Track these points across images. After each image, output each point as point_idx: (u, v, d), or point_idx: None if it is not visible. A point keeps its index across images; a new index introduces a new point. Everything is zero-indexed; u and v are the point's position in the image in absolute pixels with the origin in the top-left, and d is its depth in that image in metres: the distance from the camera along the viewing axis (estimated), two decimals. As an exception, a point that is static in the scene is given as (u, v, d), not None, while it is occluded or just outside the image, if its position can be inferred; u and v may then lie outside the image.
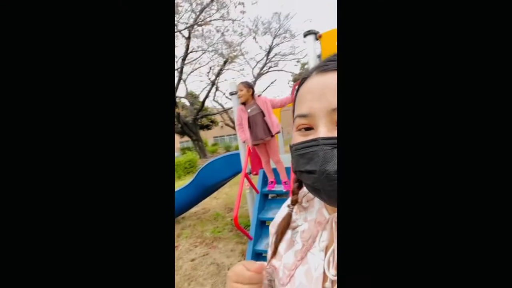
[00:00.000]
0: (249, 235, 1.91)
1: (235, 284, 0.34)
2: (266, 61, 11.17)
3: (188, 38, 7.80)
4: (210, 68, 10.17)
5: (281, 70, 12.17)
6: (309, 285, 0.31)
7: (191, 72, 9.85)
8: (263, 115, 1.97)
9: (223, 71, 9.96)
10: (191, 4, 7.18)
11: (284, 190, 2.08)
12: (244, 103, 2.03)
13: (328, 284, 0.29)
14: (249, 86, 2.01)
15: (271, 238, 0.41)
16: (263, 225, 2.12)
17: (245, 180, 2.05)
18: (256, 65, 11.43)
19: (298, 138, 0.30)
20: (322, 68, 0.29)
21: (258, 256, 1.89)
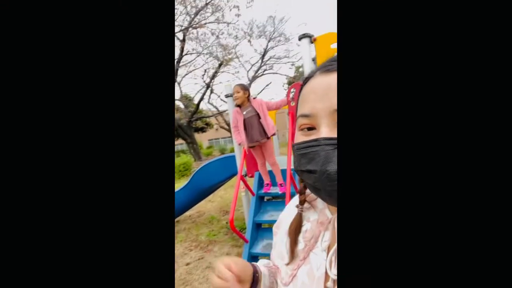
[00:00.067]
0: (245, 238, 1.90)
1: (217, 280, 0.34)
2: (261, 64, 11.23)
3: (183, 41, 7.78)
4: (205, 70, 10.16)
5: (276, 73, 12.26)
6: (311, 284, 0.31)
7: (186, 74, 9.82)
8: (259, 117, 1.97)
9: (218, 73, 9.96)
10: (185, 7, 7.18)
11: (280, 192, 2.08)
12: (239, 106, 2.03)
13: (330, 283, 0.29)
14: (245, 89, 2.02)
15: (275, 239, 0.41)
16: (259, 227, 2.11)
17: (241, 182, 2.04)
18: (251, 68, 11.48)
19: (300, 137, 0.30)
20: (325, 68, 0.29)
21: (254, 259, 1.88)
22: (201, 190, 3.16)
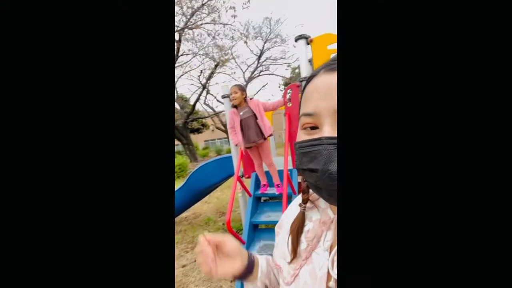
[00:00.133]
0: (242, 239, 1.89)
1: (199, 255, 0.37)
2: (257, 65, 11.26)
3: (179, 41, 7.74)
4: (201, 71, 10.14)
5: (272, 74, 12.29)
6: (313, 284, 0.31)
7: (182, 75, 9.77)
8: (256, 118, 1.97)
9: (214, 74, 9.94)
10: (181, 8, 7.15)
11: (277, 193, 2.08)
12: (236, 106, 2.03)
13: (332, 283, 0.29)
14: (243, 89, 2.01)
15: (277, 239, 0.41)
16: (255, 228, 2.11)
17: (238, 183, 2.03)
18: (247, 69, 11.50)
19: (303, 136, 0.30)
20: (329, 67, 0.29)
21: (251, 260, 1.87)
22: (197, 192, 3.14)
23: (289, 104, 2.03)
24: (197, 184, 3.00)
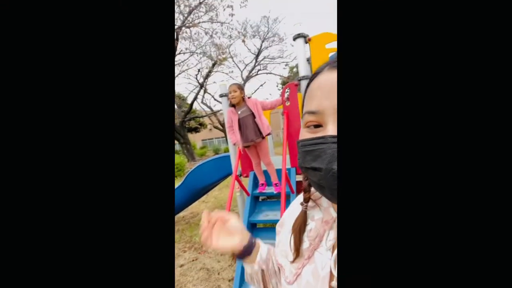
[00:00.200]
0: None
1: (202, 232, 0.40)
2: (255, 64, 11.24)
3: (176, 40, 7.70)
4: (199, 70, 10.09)
5: (270, 73, 12.28)
6: (316, 284, 0.31)
7: (179, 74, 9.72)
8: (254, 117, 1.97)
9: (212, 73, 9.91)
10: (179, 6, 7.11)
11: (275, 192, 2.08)
12: (234, 105, 2.02)
13: (334, 283, 0.29)
14: (241, 88, 2.01)
15: (278, 238, 0.41)
16: (254, 227, 2.11)
17: (236, 182, 2.03)
18: (245, 67, 11.48)
19: (306, 134, 0.29)
20: (334, 64, 0.28)
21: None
22: (195, 191, 3.13)
23: (287, 103, 2.03)
24: (195, 184, 2.99)
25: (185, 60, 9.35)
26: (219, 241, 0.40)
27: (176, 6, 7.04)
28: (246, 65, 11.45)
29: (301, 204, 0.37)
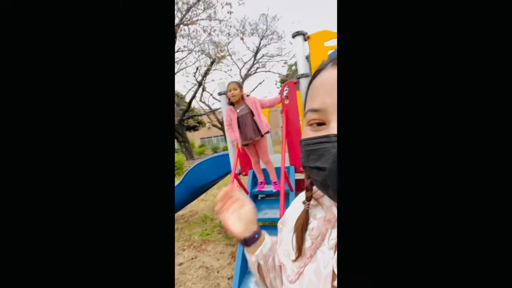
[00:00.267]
0: (239, 236, 1.90)
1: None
2: (253, 62, 11.21)
3: (174, 38, 7.65)
4: (197, 68, 10.05)
5: (269, 71, 12.25)
6: (318, 283, 0.31)
7: (177, 72, 9.67)
8: (253, 115, 1.96)
9: (210, 71, 9.87)
10: (177, 4, 7.06)
11: (274, 190, 2.08)
12: (233, 104, 2.01)
13: (337, 282, 0.29)
14: (241, 86, 2.00)
15: (280, 235, 0.41)
16: (252, 226, 2.11)
17: (235, 180, 2.03)
18: (243, 65, 11.44)
19: (309, 133, 0.29)
20: (336, 61, 0.28)
21: (248, 257, 1.88)
22: (194, 189, 3.13)
23: (286, 101, 2.03)
24: (194, 182, 2.99)
25: (183, 58, 9.33)
26: (229, 220, 0.42)
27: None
28: (245, 63, 11.43)
29: (303, 203, 0.37)
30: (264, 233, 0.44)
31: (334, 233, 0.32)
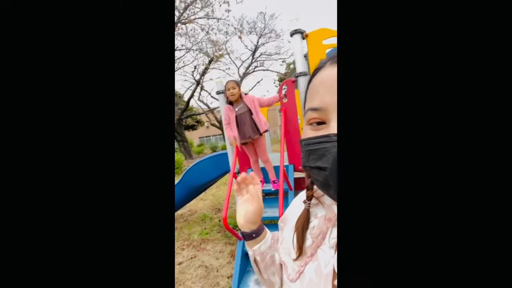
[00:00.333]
0: (238, 235, 1.90)
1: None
2: (252, 60, 11.18)
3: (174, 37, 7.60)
4: (195, 67, 10.01)
5: (267, 70, 12.23)
6: (319, 281, 0.31)
7: (175, 71, 9.62)
8: (251, 114, 1.96)
9: (208, 70, 9.84)
10: (174, 2, 7.00)
11: (273, 189, 2.08)
12: (231, 102, 2.01)
13: (337, 282, 0.29)
14: (239, 85, 2.00)
15: (281, 234, 0.41)
16: (252, 225, 2.11)
17: (234, 180, 2.03)
18: (241, 64, 11.41)
19: (309, 132, 0.29)
20: (336, 59, 0.28)
21: (248, 256, 1.88)
22: (193, 189, 3.13)
23: (285, 100, 2.02)
24: (193, 181, 2.99)
25: (181, 57, 9.27)
26: (237, 207, 0.43)
27: (171, 2, 6.91)
28: (243, 61, 11.40)
29: (304, 202, 0.36)
30: (266, 231, 0.44)
31: (334, 232, 0.32)
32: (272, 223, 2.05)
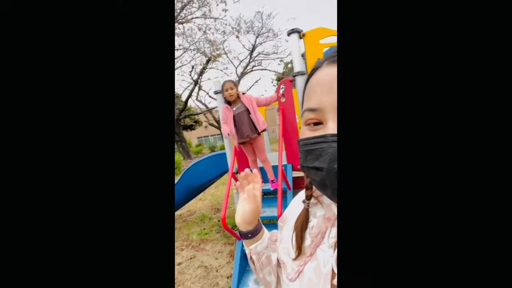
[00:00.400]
0: (237, 235, 1.90)
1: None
2: (249, 60, 11.17)
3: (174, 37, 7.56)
4: (193, 67, 9.98)
5: (265, 69, 12.21)
6: (318, 281, 0.31)
7: (173, 71, 9.57)
8: (249, 113, 1.96)
9: (206, 70, 9.81)
10: (171, 1, 6.96)
11: (272, 189, 2.08)
12: (229, 102, 2.00)
13: (336, 280, 0.29)
14: (236, 85, 2.00)
15: (280, 234, 0.41)
16: (251, 224, 2.11)
17: (232, 179, 2.02)
18: (239, 64, 11.40)
19: (307, 133, 0.29)
20: (333, 59, 0.28)
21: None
22: (192, 189, 3.12)
23: (283, 99, 2.02)
24: (191, 182, 2.98)
25: (178, 56, 9.23)
26: (237, 205, 0.43)
27: (168, 2, 6.87)
28: (241, 61, 11.38)
29: (303, 201, 0.37)
30: (263, 231, 0.44)
31: (333, 232, 0.32)
32: (271, 223, 2.05)
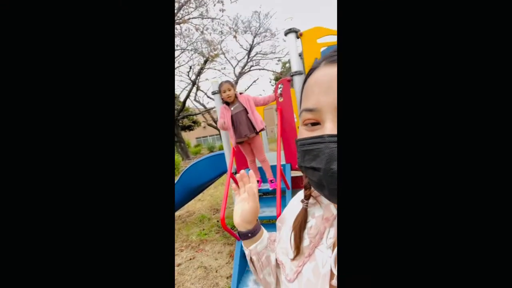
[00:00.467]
0: (237, 235, 1.89)
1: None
2: (247, 60, 11.16)
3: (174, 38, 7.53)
4: (190, 67, 9.96)
5: (263, 69, 12.21)
6: (316, 282, 0.31)
7: (171, 71, 9.53)
8: (247, 113, 1.96)
9: (204, 70, 9.79)
10: (168, 1, 6.93)
11: (271, 189, 2.08)
12: (227, 102, 2.00)
13: (335, 281, 0.29)
14: (234, 86, 2.00)
15: (279, 234, 0.41)
16: (250, 224, 2.11)
17: (231, 180, 2.02)
18: (237, 64, 11.39)
19: (304, 133, 0.29)
20: (331, 59, 0.27)
21: (247, 256, 1.88)
22: (191, 190, 3.11)
23: (281, 99, 2.02)
24: (190, 182, 2.97)
25: (176, 57, 9.20)
26: (235, 206, 0.43)
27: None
28: (239, 61, 11.38)
29: (302, 201, 0.36)
30: (263, 231, 0.44)
31: (332, 232, 0.32)
32: (270, 223, 2.05)
